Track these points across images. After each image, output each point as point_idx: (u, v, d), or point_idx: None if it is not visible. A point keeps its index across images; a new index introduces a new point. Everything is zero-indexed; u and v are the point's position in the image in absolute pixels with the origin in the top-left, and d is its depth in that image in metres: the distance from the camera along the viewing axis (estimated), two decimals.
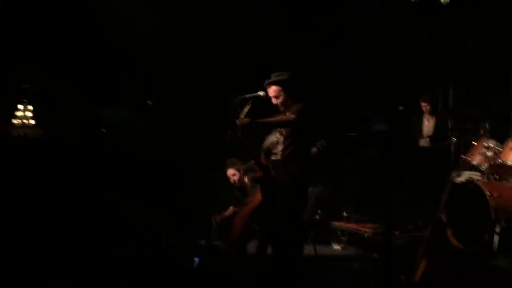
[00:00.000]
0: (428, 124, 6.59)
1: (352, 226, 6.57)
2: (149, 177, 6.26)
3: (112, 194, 5.76)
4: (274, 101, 4.42)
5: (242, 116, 4.25)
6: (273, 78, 4.41)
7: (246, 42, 7.28)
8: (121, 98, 6.89)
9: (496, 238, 4.57)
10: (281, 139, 4.34)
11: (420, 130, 6.59)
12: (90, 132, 6.37)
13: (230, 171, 5.86)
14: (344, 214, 6.95)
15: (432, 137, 6.42)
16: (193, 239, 6.05)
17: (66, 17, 6.50)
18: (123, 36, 6.73)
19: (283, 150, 4.31)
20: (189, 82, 7.14)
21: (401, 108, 6.23)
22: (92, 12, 6.61)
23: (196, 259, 4.47)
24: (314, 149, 5.63)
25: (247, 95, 4.48)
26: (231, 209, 5.93)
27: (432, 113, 6.62)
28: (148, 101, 6.54)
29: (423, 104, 6.61)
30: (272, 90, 4.39)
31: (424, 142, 6.50)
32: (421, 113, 6.69)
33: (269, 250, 5.01)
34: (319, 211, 6.91)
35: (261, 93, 4.53)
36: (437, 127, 6.48)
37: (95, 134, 6.35)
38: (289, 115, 4.28)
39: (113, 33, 6.70)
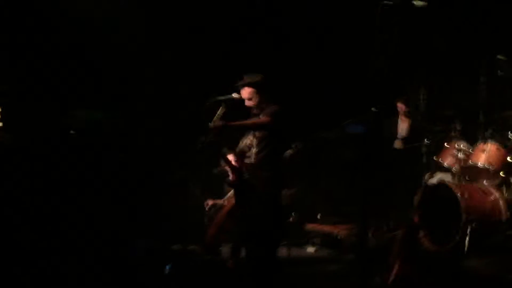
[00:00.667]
0: (402, 126, 6.62)
1: (326, 227, 6.58)
2: (120, 180, 6.15)
3: (81, 198, 5.64)
4: (247, 103, 4.39)
5: (216, 118, 4.20)
6: (246, 79, 4.38)
7: (218, 43, 7.24)
8: (94, 100, 6.76)
9: (467, 239, 4.63)
10: (255, 142, 4.31)
11: (395, 132, 6.62)
12: (60, 135, 6.22)
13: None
14: (318, 216, 6.95)
15: (406, 139, 6.45)
16: (167, 244, 5.97)
17: (34, 16, 6.34)
18: (95, 38, 6.61)
19: (256, 153, 4.29)
20: (162, 83, 7.05)
21: (374, 109, 6.32)
22: (62, 13, 6.47)
23: (167, 267, 4.40)
24: (289, 151, 5.63)
25: (221, 98, 4.44)
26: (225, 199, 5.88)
27: (406, 115, 6.65)
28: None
29: (399, 105, 6.62)
30: (245, 92, 4.36)
31: (398, 144, 6.53)
32: (395, 115, 6.71)
33: (243, 253, 4.99)
34: (293, 213, 6.91)
35: (235, 95, 4.50)
36: (411, 129, 6.52)
37: (65, 136, 6.22)
38: (263, 118, 4.25)
39: (85, 34, 6.57)
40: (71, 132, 6.10)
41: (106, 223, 5.53)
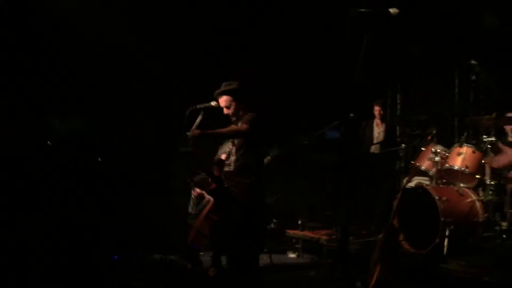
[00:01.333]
0: (378, 130, 6.67)
1: (306, 233, 6.59)
2: (99, 189, 6.08)
3: (59, 207, 5.55)
4: (225, 111, 4.41)
5: (194, 127, 4.19)
6: (223, 87, 4.39)
7: (197, 50, 7.24)
8: (71, 107, 6.68)
9: (445, 241, 4.68)
10: (234, 149, 4.31)
11: (371, 136, 6.66)
12: (35, 143, 6.12)
13: None
14: (299, 221, 6.96)
15: (382, 143, 6.51)
16: (147, 254, 5.91)
17: (15, 22, 6.24)
18: (73, 43, 6.54)
19: (235, 161, 4.28)
20: (142, 90, 7.01)
21: (352, 114, 6.38)
22: (42, 19, 6.39)
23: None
24: (268, 158, 5.63)
25: (199, 106, 4.44)
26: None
27: (382, 119, 6.71)
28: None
29: (376, 108, 6.65)
30: (223, 100, 4.38)
31: (374, 148, 6.58)
32: (371, 119, 6.76)
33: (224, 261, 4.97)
34: (274, 220, 6.91)
35: (213, 103, 4.51)
36: (387, 133, 6.58)
37: (40, 145, 6.11)
38: (241, 126, 4.25)
39: (64, 41, 6.50)
40: (48, 142, 6.00)
41: (83, 233, 5.45)
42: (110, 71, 6.70)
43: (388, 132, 6.58)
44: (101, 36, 6.54)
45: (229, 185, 4.27)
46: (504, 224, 4.69)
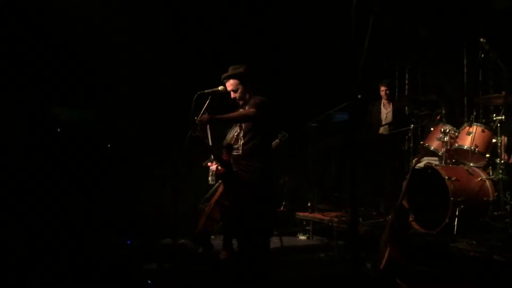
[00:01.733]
0: (385, 111, 6.61)
1: (316, 215, 6.63)
2: (108, 176, 6.13)
3: (70, 195, 5.61)
4: (232, 95, 4.38)
5: (202, 112, 4.20)
6: (230, 71, 4.37)
7: (200, 37, 7.21)
8: (78, 98, 6.71)
9: (456, 221, 4.69)
10: (241, 134, 4.32)
11: (378, 117, 6.61)
12: (44, 132, 6.16)
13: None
14: (308, 204, 7.00)
15: (391, 124, 6.47)
16: (158, 239, 5.97)
17: (12, 12, 6.24)
18: (79, 35, 6.54)
19: (243, 144, 4.29)
20: (147, 78, 7.01)
21: (360, 96, 6.34)
22: (48, 10, 6.39)
23: (148, 281, 4.40)
24: (276, 141, 5.64)
25: (206, 91, 4.44)
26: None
27: (389, 99, 6.64)
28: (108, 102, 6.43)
29: (382, 88, 6.56)
30: (230, 84, 4.35)
31: (383, 130, 6.54)
32: (377, 101, 6.71)
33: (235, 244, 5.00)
34: (284, 202, 6.95)
35: (220, 88, 4.50)
36: (394, 113, 6.52)
37: (50, 134, 6.16)
38: (249, 110, 4.25)
39: (69, 33, 6.50)
40: (57, 129, 6.05)
41: (96, 221, 5.51)
42: (110, 61, 6.70)
43: (396, 112, 6.52)
44: (99, 27, 6.52)
45: (237, 169, 4.28)
46: None
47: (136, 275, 4.61)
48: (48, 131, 6.20)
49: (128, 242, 5.49)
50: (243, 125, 4.32)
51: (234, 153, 4.34)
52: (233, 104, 4.52)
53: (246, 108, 4.32)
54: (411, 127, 6.07)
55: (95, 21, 6.47)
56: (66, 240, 5.11)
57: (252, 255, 4.27)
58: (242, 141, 4.30)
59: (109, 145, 6.21)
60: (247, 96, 4.37)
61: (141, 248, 5.52)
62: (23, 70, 6.14)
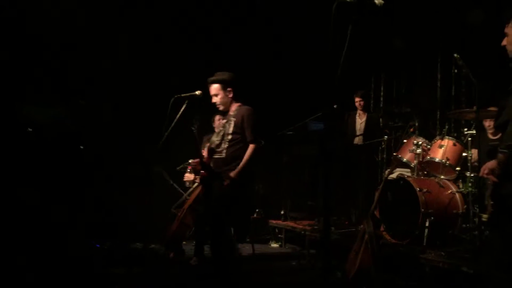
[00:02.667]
0: (360, 122, 6.68)
1: (289, 223, 6.64)
2: (79, 177, 6.02)
3: (38, 197, 5.49)
4: (213, 99, 4.42)
5: (178, 116, 4.20)
6: (215, 76, 4.42)
7: (182, 41, 7.18)
8: (51, 96, 6.58)
9: (425, 232, 4.75)
10: (227, 137, 4.32)
11: (353, 127, 6.67)
12: (15, 132, 6.02)
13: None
14: (281, 212, 7.01)
15: (364, 134, 6.54)
16: (129, 243, 5.89)
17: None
18: (54, 32, 6.42)
19: (227, 148, 4.30)
20: (123, 79, 6.94)
21: (335, 106, 6.39)
22: (20, 3, 6.25)
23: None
24: None
25: (183, 95, 4.47)
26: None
27: (364, 110, 6.71)
28: (80, 101, 6.32)
29: (356, 99, 6.64)
30: (213, 88, 4.40)
31: (357, 140, 6.61)
32: (353, 111, 6.78)
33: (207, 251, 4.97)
34: (257, 210, 6.94)
35: (197, 92, 4.53)
36: (367, 124, 6.60)
37: (20, 134, 6.02)
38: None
39: (41, 27, 6.37)
40: (29, 129, 5.92)
41: (65, 223, 5.40)
42: (84, 59, 6.61)
43: (369, 123, 6.59)
44: (73, 21, 6.41)
45: (219, 172, 4.27)
46: (485, 216, 4.76)
47: (103, 279, 4.53)
48: (18, 131, 6.06)
49: (97, 245, 5.39)
50: (230, 128, 4.34)
51: (216, 156, 4.34)
52: (211, 108, 4.54)
53: (232, 116, 4.35)
54: (385, 139, 6.14)
55: (68, 15, 6.36)
56: (34, 242, 4.99)
57: (222, 260, 4.24)
58: (226, 145, 4.30)
59: (81, 147, 6.11)
60: (228, 103, 4.42)
61: (110, 251, 5.43)
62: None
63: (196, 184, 5.62)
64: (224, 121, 4.50)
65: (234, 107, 4.42)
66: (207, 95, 4.67)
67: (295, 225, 6.43)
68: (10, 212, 5.16)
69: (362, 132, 6.57)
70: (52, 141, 5.97)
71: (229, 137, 4.32)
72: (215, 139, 4.44)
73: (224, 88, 4.38)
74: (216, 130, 4.58)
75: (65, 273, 4.48)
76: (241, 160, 4.26)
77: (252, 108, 4.40)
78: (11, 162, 5.50)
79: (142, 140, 6.34)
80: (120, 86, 6.86)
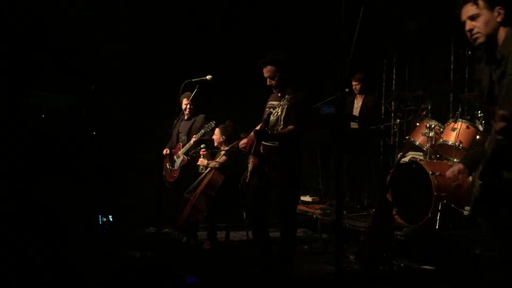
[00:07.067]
0: (356, 106, 6.56)
1: (300, 207, 6.65)
2: (91, 161, 6.07)
3: (48, 181, 5.54)
4: (268, 82, 4.15)
5: (190, 99, 4.17)
6: (269, 57, 4.13)
7: (188, 29, 7.16)
8: (62, 83, 6.61)
9: (438, 215, 4.74)
10: (279, 123, 4.06)
11: (351, 111, 6.56)
12: (27, 117, 6.07)
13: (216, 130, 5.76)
14: None
15: (359, 119, 6.41)
16: (141, 227, 5.95)
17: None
18: (63, 20, 6.43)
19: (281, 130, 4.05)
20: (134, 64, 6.95)
21: (347, 90, 6.34)
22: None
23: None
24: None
25: (194, 79, 4.43)
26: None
27: (361, 93, 6.61)
28: (91, 86, 6.34)
29: (353, 83, 6.51)
30: (267, 70, 4.11)
31: (353, 124, 6.52)
32: (354, 95, 6.69)
33: (221, 235, 4.98)
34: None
35: (208, 77, 4.49)
36: (362, 108, 6.47)
37: (32, 119, 6.07)
38: (290, 127, 4.00)
39: (51, 15, 6.38)
40: (42, 116, 5.96)
41: (75, 208, 5.45)
42: (95, 45, 6.61)
43: (363, 107, 6.45)
44: (82, 9, 6.41)
45: (270, 160, 4.06)
46: (467, 210, 4.74)
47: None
48: (31, 116, 6.10)
49: (105, 227, 5.41)
50: (282, 114, 4.07)
51: (269, 144, 4.09)
52: (219, 94, 4.50)
53: (286, 100, 4.09)
54: (381, 126, 5.98)
55: (78, 2, 6.35)
56: (48, 228, 5.05)
57: (284, 243, 4.16)
58: (281, 127, 4.06)
59: (94, 133, 6.15)
60: (284, 85, 4.14)
61: (124, 235, 5.49)
62: (2, 53, 6.02)
63: (208, 169, 5.64)
64: (277, 103, 4.18)
65: (290, 90, 4.13)
66: (216, 80, 4.60)
67: (307, 209, 6.45)
68: (25, 197, 5.22)
69: (357, 116, 6.46)
70: (65, 126, 6.01)
71: (282, 124, 4.05)
72: (271, 119, 4.11)
73: (279, 70, 4.08)
74: (266, 113, 4.23)
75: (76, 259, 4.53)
76: (291, 148, 4.05)
77: (308, 92, 4.13)
78: (23, 149, 5.55)
79: (154, 125, 6.37)
80: (131, 72, 6.88)
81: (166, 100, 6.09)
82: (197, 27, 7.18)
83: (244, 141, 4.18)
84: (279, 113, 4.08)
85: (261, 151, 4.09)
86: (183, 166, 6.01)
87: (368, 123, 6.26)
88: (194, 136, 5.81)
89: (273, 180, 4.07)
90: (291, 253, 4.21)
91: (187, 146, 5.90)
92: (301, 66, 7.39)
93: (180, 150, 6.05)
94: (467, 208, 4.69)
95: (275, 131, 4.06)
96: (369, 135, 6.32)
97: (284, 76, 4.12)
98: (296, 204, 4.47)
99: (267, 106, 4.28)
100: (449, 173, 2.87)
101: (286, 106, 4.07)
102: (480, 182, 2.58)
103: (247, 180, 4.27)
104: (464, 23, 2.67)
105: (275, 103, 4.20)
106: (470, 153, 3.06)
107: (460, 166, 2.84)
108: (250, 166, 4.21)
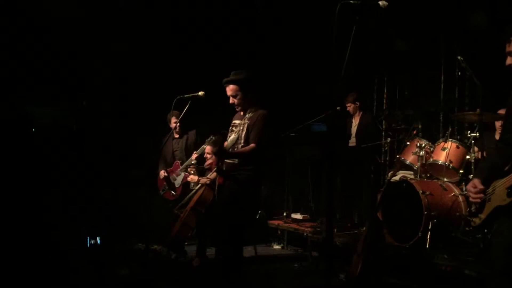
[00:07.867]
0: (354, 124, 6.69)
1: (291, 225, 6.63)
2: (81, 176, 6.03)
3: (40, 197, 5.50)
4: (231, 100, 4.23)
5: (181, 116, 4.19)
6: (232, 76, 4.22)
7: (183, 43, 7.19)
8: (54, 97, 6.59)
9: (428, 235, 4.73)
10: (240, 141, 4.19)
11: (350, 130, 6.67)
12: (18, 132, 6.04)
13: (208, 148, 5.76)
14: (284, 213, 7.00)
15: (356, 137, 6.51)
16: (130, 243, 5.90)
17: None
18: (55, 36, 6.43)
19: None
20: (124, 79, 6.95)
21: (338, 108, 6.38)
22: (22, 4, 6.26)
23: None
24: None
25: (186, 95, 4.44)
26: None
27: (355, 113, 6.68)
28: (83, 101, 6.35)
29: (347, 105, 6.66)
30: (230, 89, 4.19)
31: (351, 142, 6.61)
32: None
33: (210, 252, 4.95)
34: (260, 211, 6.93)
35: (200, 93, 4.51)
36: (359, 126, 6.57)
37: (24, 134, 6.04)
38: (251, 145, 4.11)
39: (42, 28, 6.38)
40: (32, 129, 5.94)
41: (65, 223, 5.41)
42: (85, 59, 6.61)
43: (360, 125, 6.56)
44: (73, 21, 6.40)
45: (229, 177, 4.17)
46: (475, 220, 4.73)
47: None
48: (23, 131, 6.08)
49: (92, 242, 5.36)
50: (242, 133, 4.19)
51: (229, 161, 4.21)
52: (211, 109, 4.53)
53: (246, 119, 4.20)
54: (385, 142, 6.07)
55: (68, 15, 6.34)
56: (39, 240, 5.01)
57: (229, 262, 4.20)
58: (241, 145, 4.17)
59: (83, 146, 6.14)
60: (246, 104, 4.24)
61: (113, 252, 5.43)
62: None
63: (199, 186, 5.62)
64: (239, 122, 4.30)
65: (251, 109, 4.23)
66: (209, 96, 4.63)
67: (298, 227, 6.42)
68: (14, 211, 5.18)
69: (354, 134, 6.57)
70: (55, 140, 5.99)
71: (242, 142, 4.17)
72: (229, 143, 4.25)
73: (242, 89, 4.18)
74: (230, 132, 4.38)
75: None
76: (252, 166, 4.13)
77: (267, 112, 4.20)
78: (14, 162, 5.51)
79: (144, 140, 6.36)
80: (122, 87, 6.88)
81: (157, 116, 6.11)
82: (187, 44, 7.22)
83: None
84: (240, 131, 4.21)
85: (224, 169, 4.21)
86: (184, 183, 6.05)
87: (366, 140, 6.31)
88: (195, 152, 5.83)
89: (234, 195, 4.14)
90: (236, 267, 4.20)
91: (187, 162, 5.94)
92: (292, 83, 7.51)
93: (178, 168, 6.09)
94: (475, 219, 4.68)
95: (235, 149, 4.17)
96: (366, 152, 6.37)
97: (246, 95, 4.23)
98: (245, 220, 4.40)
99: (231, 124, 4.40)
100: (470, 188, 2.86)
101: (246, 125, 4.19)
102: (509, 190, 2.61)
103: (216, 198, 4.37)
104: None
105: (238, 121, 4.34)
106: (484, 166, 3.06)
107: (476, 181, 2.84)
108: (216, 184, 4.33)
